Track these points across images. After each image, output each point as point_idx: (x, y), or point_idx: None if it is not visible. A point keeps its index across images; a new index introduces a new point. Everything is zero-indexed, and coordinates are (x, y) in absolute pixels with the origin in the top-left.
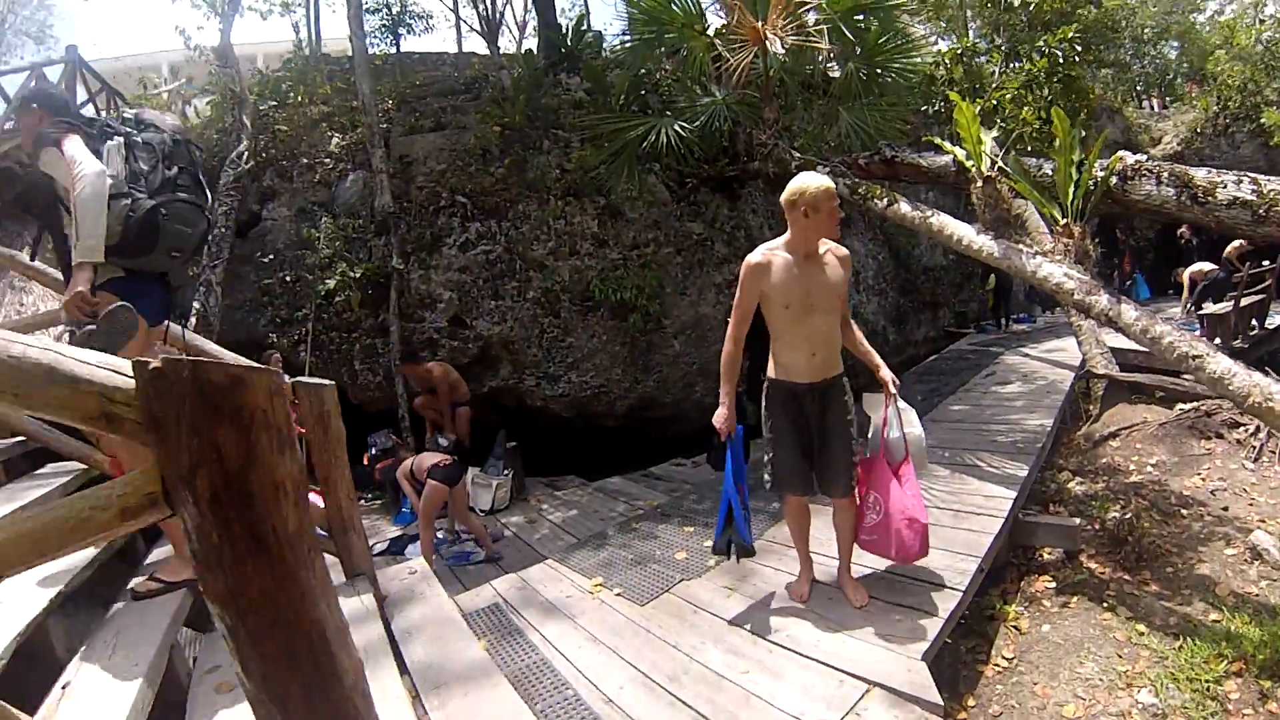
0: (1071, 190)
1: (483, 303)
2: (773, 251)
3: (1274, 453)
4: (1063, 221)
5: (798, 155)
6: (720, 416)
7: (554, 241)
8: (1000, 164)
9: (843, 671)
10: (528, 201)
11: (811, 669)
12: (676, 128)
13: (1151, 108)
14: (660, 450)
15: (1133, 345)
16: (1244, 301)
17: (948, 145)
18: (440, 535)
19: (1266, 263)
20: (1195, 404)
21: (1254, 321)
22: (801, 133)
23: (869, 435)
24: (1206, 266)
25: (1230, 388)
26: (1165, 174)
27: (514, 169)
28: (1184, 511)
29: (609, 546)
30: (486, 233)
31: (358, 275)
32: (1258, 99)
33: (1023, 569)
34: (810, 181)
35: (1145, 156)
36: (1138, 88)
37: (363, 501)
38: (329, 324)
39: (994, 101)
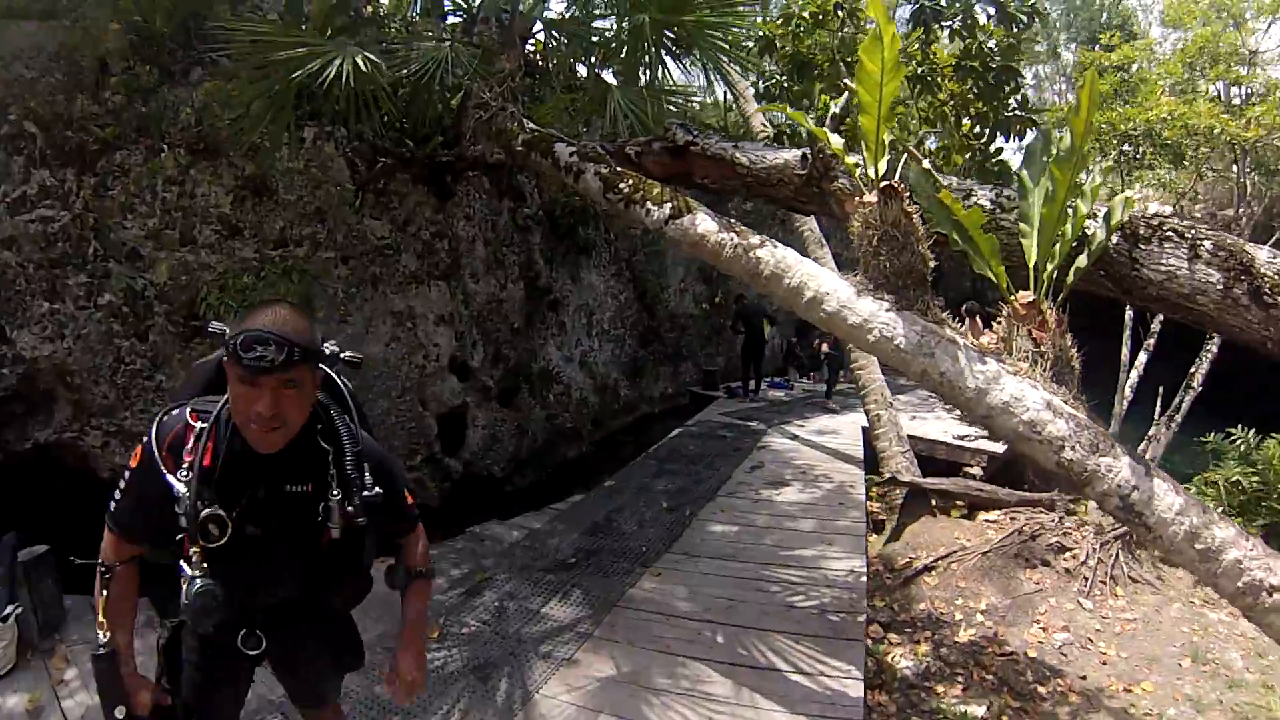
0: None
1: (31, 303)
2: None
3: (1104, 583)
4: (1024, 299)
5: (531, 127)
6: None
7: (159, 218)
8: (929, 167)
9: None
10: (131, 150)
11: None
12: (360, 60)
13: None
14: None
15: (927, 433)
16: None
17: (806, 121)
18: None
19: None
20: (1014, 525)
21: None
22: (558, 113)
23: None
24: None
25: None
26: (1207, 244)
27: (134, 99)
28: (1042, 691)
29: None
30: (56, 188)
31: None
32: None
33: None
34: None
35: (1169, 208)
36: None
37: None
38: None
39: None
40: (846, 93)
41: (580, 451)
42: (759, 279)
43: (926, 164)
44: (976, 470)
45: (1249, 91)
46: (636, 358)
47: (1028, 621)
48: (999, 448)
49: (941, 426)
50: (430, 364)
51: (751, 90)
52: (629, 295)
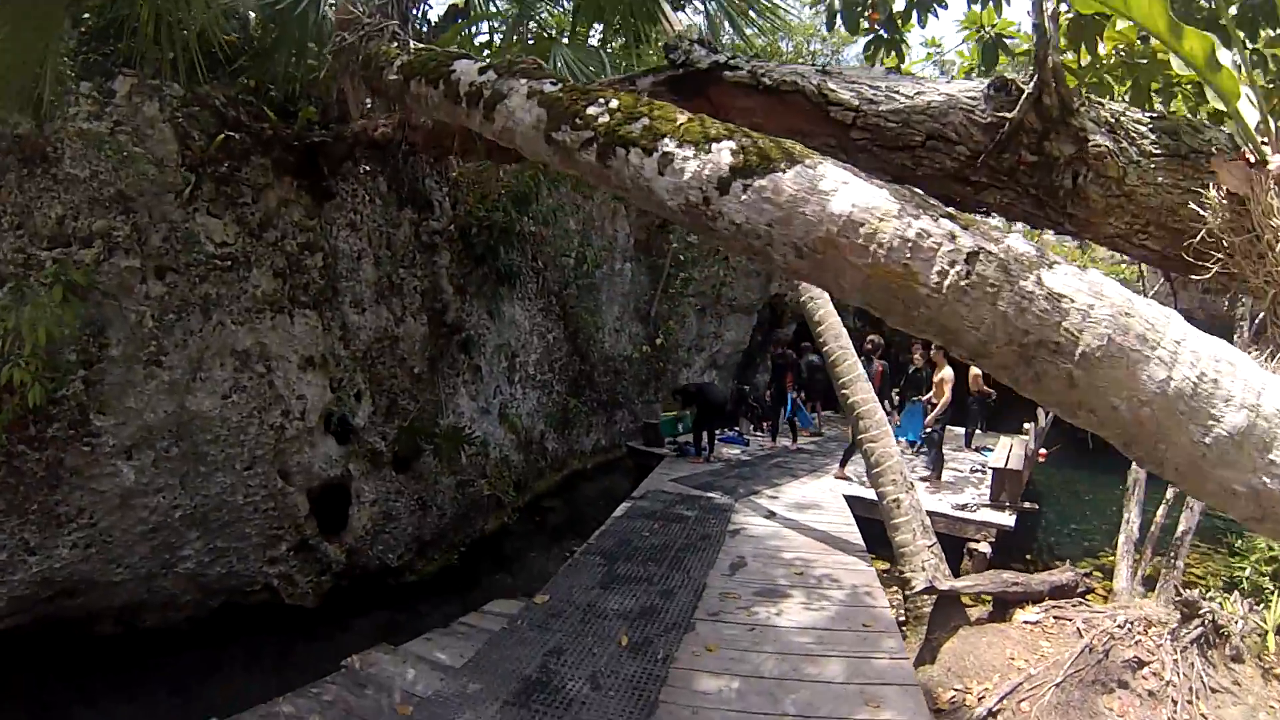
0: None
1: None
2: None
3: (1190, 702)
4: None
5: (417, 47)
6: None
7: None
8: None
9: None
10: None
11: None
12: None
13: None
14: (123, 660)
15: (938, 507)
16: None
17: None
18: None
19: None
20: (1065, 628)
21: None
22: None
23: None
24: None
25: None
26: None
27: None
28: None
29: None
30: None
31: None
32: None
33: None
34: None
35: None
36: None
37: None
38: None
39: None
40: None
41: (502, 523)
42: (1053, 355)
43: None
44: (984, 546)
45: None
46: (566, 407)
47: None
48: (1007, 519)
49: (936, 495)
50: (292, 423)
51: None
52: (559, 334)
